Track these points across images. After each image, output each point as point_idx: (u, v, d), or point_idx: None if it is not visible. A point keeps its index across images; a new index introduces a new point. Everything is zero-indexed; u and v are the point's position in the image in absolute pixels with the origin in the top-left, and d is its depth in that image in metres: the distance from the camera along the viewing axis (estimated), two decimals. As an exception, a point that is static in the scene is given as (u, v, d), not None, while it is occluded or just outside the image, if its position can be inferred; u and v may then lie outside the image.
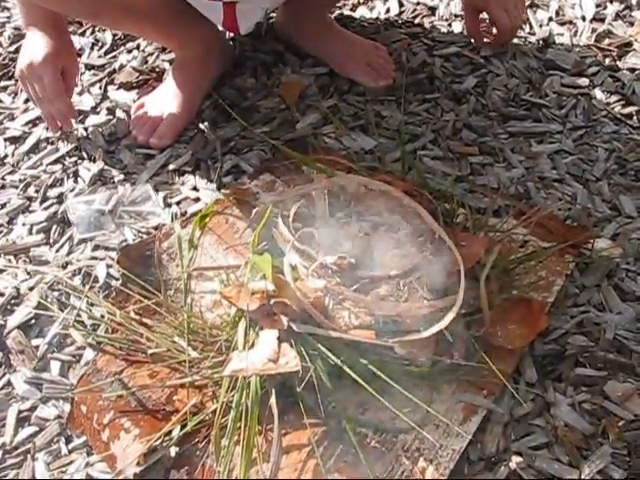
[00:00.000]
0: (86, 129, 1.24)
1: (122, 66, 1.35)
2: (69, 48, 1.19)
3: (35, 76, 1.14)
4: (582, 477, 0.79)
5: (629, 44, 1.30)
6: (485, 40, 1.32)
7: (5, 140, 1.25)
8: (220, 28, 1.26)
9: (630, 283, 0.96)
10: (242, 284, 0.84)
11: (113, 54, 1.38)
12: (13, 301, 1.00)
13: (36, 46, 1.14)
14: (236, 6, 1.18)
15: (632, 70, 1.26)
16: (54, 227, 1.10)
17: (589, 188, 1.09)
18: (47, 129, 1.24)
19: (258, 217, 0.89)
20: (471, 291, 0.86)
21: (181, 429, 0.79)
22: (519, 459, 0.81)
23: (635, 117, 1.19)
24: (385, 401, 0.77)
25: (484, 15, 1.31)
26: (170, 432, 0.79)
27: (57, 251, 1.06)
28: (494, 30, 1.31)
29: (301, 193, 0.95)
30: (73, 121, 1.21)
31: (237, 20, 1.20)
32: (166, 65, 1.34)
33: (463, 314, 0.85)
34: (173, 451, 0.79)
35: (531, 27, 1.35)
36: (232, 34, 1.33)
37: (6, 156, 1.22)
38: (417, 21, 1.39)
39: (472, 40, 1.33)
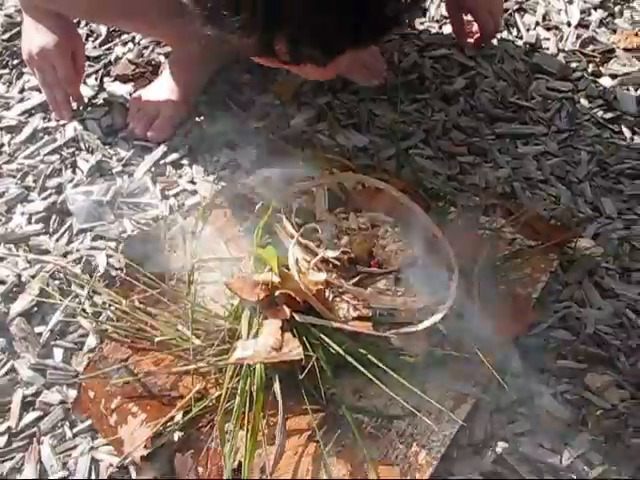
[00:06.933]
0: (83, 120, 1.25)
1: (118, 58, 1.35)
2: (75, 32, 1.19)
3: (47, 62, 1.15)
4: (563, 462, 0.84)
5: (612, 51, 1.34)
6: (468, 40, 1.34)
7: (1, 129, 1.25)
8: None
9: (609, 281, 1.01)
10: (246, 275, 0.87)
11: (108, 46, 1.39)
12: (15, 289, 1.02)
13: (43, 30, 1.14)
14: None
15: (614, 76, 1.30)
16: (53, 217, 1.11)
17: (572, 189, 1.13)
18: (44, 118, 1.25)
19: (261, 211, 0.92)
20: (463, 286, 0.90)
21: (186, 414, 0.82)
22: (505, 444, 0.85)
23: (616, 122, 1.23)
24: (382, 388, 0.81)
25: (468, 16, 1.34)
26: (175, 417, 0.83)
27: (57, 240, 1.08)
28: (474, 28, 1.33)
29: (301, 189, 0.98)
30: (78, 106, 1.22)
31: None
32: (162, 58, 1.35)
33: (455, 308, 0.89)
34: (178, 435, 0.82)
35: (519, 31, 1.39)
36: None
37: (2, 145, 1.23)
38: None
39: (456, 39, 1.34)
